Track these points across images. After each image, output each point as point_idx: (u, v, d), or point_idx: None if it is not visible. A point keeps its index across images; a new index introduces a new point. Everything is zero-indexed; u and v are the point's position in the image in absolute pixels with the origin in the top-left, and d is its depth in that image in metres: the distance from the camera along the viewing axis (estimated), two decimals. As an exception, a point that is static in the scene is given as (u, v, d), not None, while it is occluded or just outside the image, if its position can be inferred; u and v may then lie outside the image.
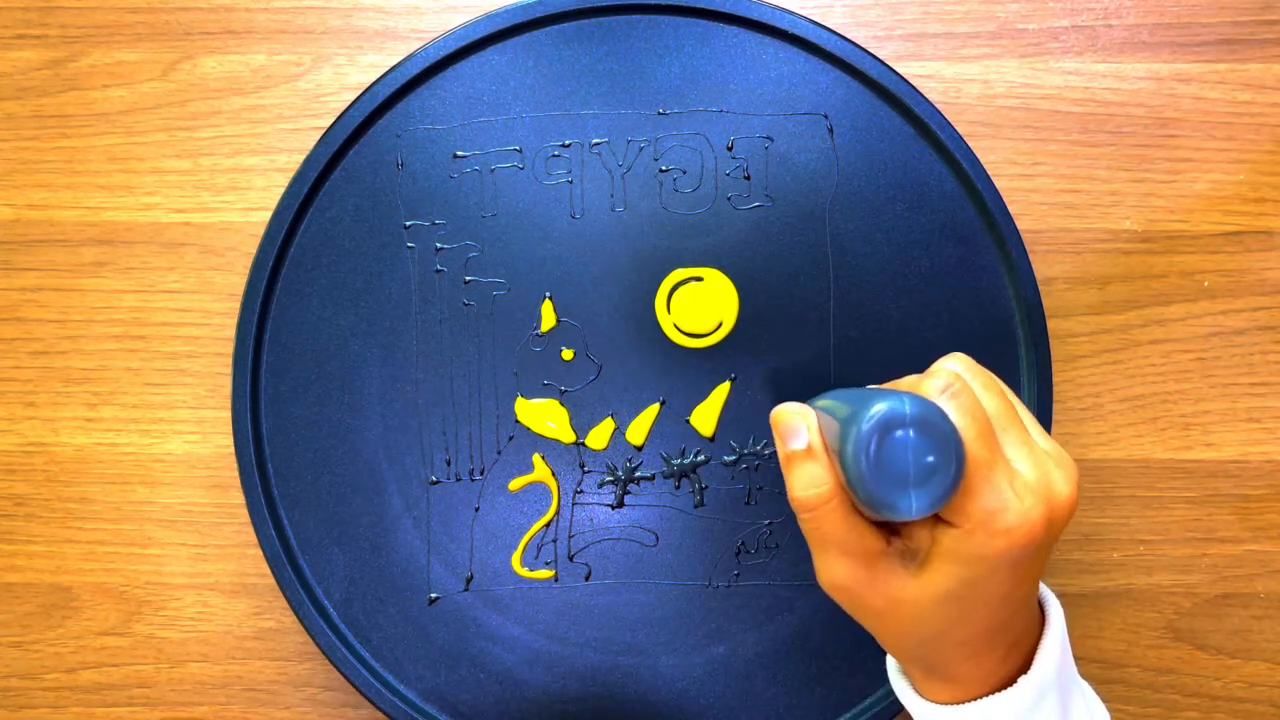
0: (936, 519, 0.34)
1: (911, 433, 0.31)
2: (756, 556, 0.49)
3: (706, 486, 0.50)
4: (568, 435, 0.50)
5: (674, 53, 0.49)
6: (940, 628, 0.35)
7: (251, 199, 0.53)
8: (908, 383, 0.36)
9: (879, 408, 0.31)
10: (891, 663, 0.41)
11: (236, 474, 0.49)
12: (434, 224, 0.49)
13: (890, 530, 0.36)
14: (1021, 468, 0.34)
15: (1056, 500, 0.34)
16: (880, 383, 0.39)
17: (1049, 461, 0.35)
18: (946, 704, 0.37)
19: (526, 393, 0.50)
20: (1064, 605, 0.38)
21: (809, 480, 0.35)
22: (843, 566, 0.35)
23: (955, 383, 0.34)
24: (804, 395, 0.49)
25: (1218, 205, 0.53)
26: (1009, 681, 0.37)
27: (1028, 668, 0.36)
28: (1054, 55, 0.53)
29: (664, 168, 0.49)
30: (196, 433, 0.53)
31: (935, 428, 0.31)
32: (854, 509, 0.35)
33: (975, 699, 0.37)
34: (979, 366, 0.36)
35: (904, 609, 0.35)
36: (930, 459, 0.31)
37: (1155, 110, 0.53)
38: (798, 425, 0.36)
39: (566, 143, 0.49)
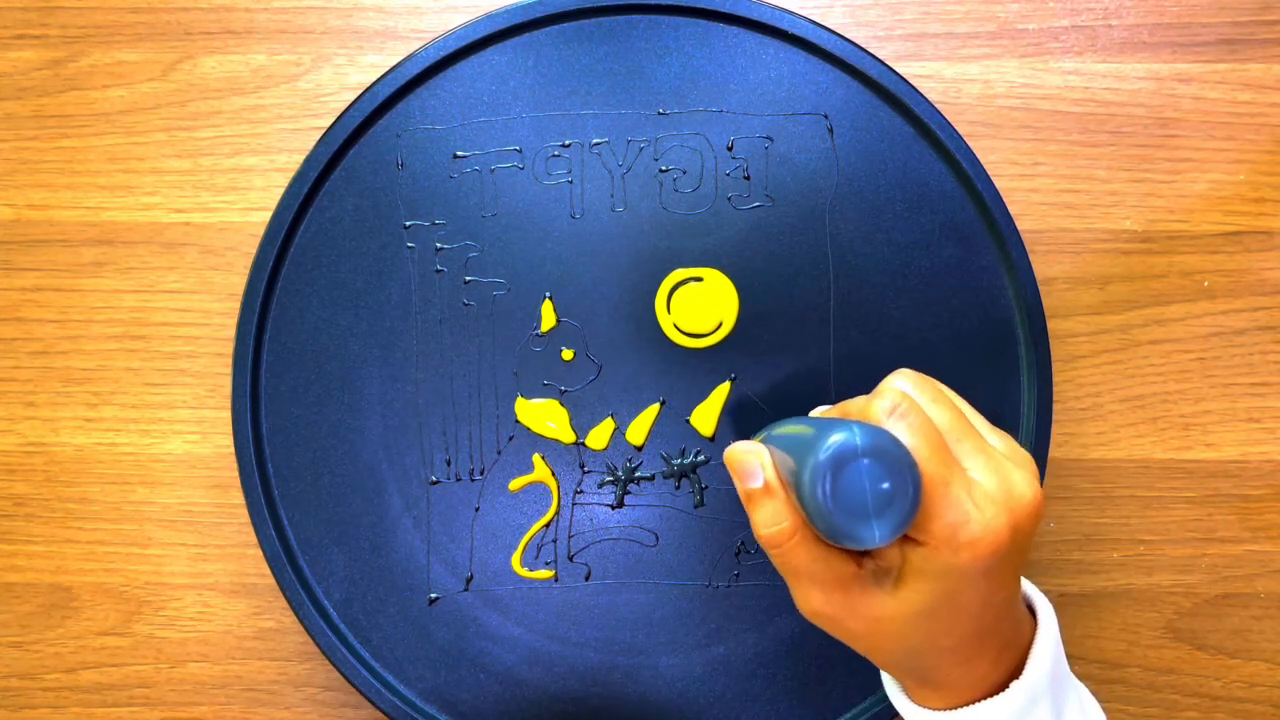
0: (904, 537, 0.34)
1: (865, 463, 0.31)
2: (756, 556, 0.49)
3: (706, 486, 0.50)
4: (568, 435, 0.50)
5: (674, 53, 0.49)
6: (924, 640, 0.35)
7: (251, 199, 0.53)
8: (856, 405, 0.36)
9: (832, 440, 0.31)
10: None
11: (236, 474, 0.49)
12: (434, 224, 0.49)
13: (861, 552, 0.36)
14: (979, 476, 0.34)
15: (1019, 504, 0.34)
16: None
17: (1007, 465, 0.34)
18: (941, 710, 0.37)
19: (526, 393, 0.50)
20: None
21: (770, 518, 0.35)
22: (818, 595, 0.35)
23: (903, 402, 0.33)
24: (804, 396, 0.49)
25: (1218, 205, 0.53)
26: (1003, 685, 0.36)
27: (1021, 670, 0.36)
28: (1054, 55, 0.53)
29: (664, 168, 0.49)
30: (196, 433, 0.53)
31: (888, 454, 0.31)
32: (820, 539, 0.35)
33: (969, 704, 0.37)
34: (926, 379, 0.36)
35: (885, 626, 0.35)
36: (886, 486, 0.31)
37: (1155, 110, 0.53)
38: (752, 465, 0.36)
39: (566, 143, 0.49)
